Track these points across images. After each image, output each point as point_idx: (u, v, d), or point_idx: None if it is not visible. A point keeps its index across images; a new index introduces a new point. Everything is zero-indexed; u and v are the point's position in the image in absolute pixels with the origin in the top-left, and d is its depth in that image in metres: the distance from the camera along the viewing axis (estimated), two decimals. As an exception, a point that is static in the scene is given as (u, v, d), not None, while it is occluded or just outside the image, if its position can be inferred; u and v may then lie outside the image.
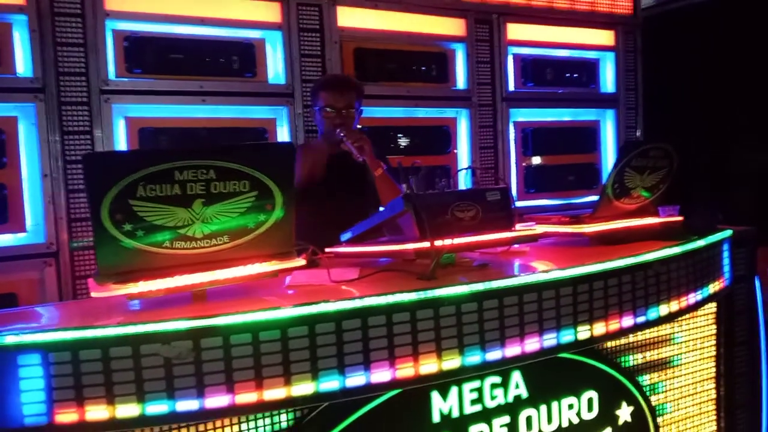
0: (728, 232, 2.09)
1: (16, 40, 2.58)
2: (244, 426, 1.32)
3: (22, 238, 2.61)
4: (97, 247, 1.30)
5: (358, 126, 2.59)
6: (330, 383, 1.29)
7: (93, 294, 1.34)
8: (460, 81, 3.59)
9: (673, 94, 4.32)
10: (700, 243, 1.90)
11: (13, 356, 1.14)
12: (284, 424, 1.36)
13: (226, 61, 2.94)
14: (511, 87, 3.75)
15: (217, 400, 1.21)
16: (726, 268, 2.09)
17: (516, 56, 3.78)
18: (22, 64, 2.59)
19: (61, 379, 1.15)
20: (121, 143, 2.77)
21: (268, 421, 1.34)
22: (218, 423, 1.30)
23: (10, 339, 1.14)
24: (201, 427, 1.29)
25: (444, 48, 3.54)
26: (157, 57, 2.81)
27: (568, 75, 3.95)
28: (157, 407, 1.19)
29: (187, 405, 1.20)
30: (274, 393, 1.25)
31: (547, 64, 3.87)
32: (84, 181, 1.35)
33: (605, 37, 4.07)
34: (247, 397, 1.23)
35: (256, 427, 1.33)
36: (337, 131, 2.39)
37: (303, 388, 1.27)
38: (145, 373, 1.18)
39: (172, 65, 2.83)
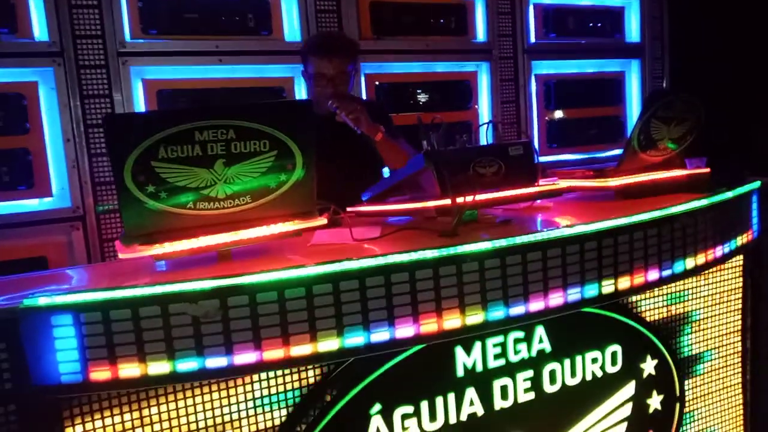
0: (757, 183, 2.04)
1: (32, 3, 2.57)
2: (273, 382, 1.35)
3: (48, 202, 2.66)
4: (122, 210, 1.31)
5: (352, 91, 2.43)
6: (355, 339, 1.30)
7: (120, 255, 1.36)
8: (480, 33, 3.51)
9: (700, 42, 4.17)
10: (729, 194, 1.85)
11: (46, 317, 1.16)
12: (311, 380, 1.38)
13: (241, 19, 2.90)
14: (533, 38, 3.65)
15: (245, 357, 1.24)
16: (754, 220, 2.05)
17: (537, 6, 3.67)
18: (38, 28, 2.58)
19: (93, 339, 1.17)
20: (140, 106, 2.77)
21: (296, 377, 1.37)
22: (247, 379, 1.33)
23: (44, 300, 1.17)
24: (231, 383, 1.32)
25: (463, -1, 3.45)
26: (172, 17, 2.79)
27: (591, 24, 3.84)
28: (187, 364, 1.21)
29: (216, 362, 1.22)
30: (301, 349, 1.26)
31: (570, 13, 3.75)
32: (105, 143, 1.36)
33: (630, -17, 3.93)
34: (274, 353, 1.25)
35: (284, 383, 1.36)
36: (329, 103, 2.23)
37: (329, 344, 1.28)
38: (174, 332, 1.20)
39: (187, 25, 2.81)
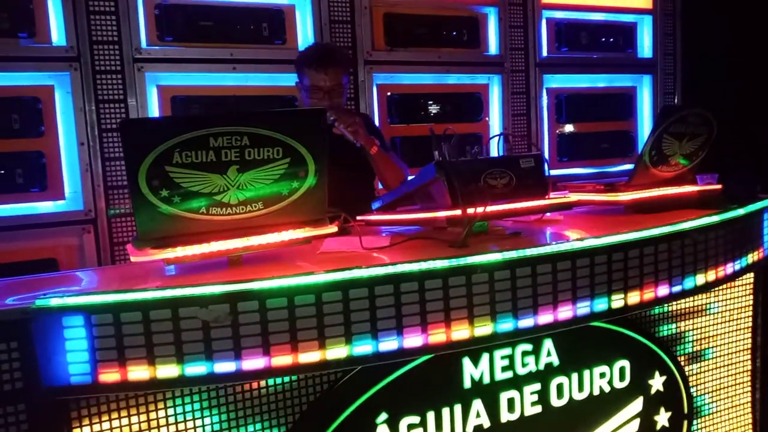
0: (769, 201, 2.03)
1: (51, 9, 2.61)
2: (279, 388, 1.35)
3: (61, 205, 2.68)
4: (135, 213, 1.32)
5: (347, 102, 2.45)
6: (363, 347, 1.30)
7: (132, 259, 1.37)
8: (492, 46, 3.52)
9: (713, 58, 4.17)
10: (740, 212, 1.85)
11: (58, 318, 1.17)
12: (319, 387, 1.38)
13: (256, 28, 2.93)
14: (545, 52, 3.66)
15: (253, 363, 1.24)
16: (766, 238, 2.04)
17: (550, 20, 3.68)
18: (56, 33, 2.62)
19: (103, 341, 1.18)
20: (154, 111, 2.80)
21: (303, 383, 1.37)
22: (254, 385, 1.33)
23: (55, 301, 1.18)
24: (238, 389, 1.32)
25: (476, 12, 3.46)
26: (188, 25, 2.82)
27: (603, 39, 3.84)
28: (195, 368, 1.22)
29: (224, 367, 1.23)
30: (309, 356, 1.27)
31: (582, 28, 3.76)
32: (122, 147, 1.37)
33: (643, -1, 3.94)
34: (282, 359, 1.25)
35: (292, 390, 1.36)
36: (327, 115, 2.17)
37: (337, 351, 1.28)
38: (184, 336, 1.20)
39: (202, 33, 2.84)
